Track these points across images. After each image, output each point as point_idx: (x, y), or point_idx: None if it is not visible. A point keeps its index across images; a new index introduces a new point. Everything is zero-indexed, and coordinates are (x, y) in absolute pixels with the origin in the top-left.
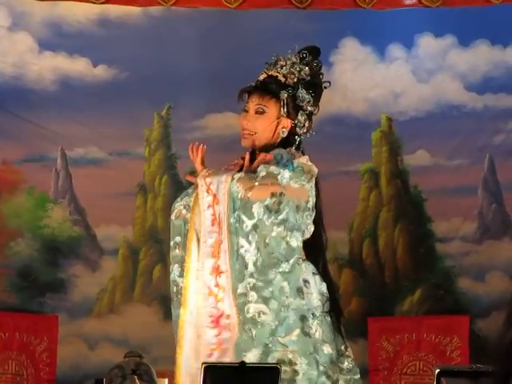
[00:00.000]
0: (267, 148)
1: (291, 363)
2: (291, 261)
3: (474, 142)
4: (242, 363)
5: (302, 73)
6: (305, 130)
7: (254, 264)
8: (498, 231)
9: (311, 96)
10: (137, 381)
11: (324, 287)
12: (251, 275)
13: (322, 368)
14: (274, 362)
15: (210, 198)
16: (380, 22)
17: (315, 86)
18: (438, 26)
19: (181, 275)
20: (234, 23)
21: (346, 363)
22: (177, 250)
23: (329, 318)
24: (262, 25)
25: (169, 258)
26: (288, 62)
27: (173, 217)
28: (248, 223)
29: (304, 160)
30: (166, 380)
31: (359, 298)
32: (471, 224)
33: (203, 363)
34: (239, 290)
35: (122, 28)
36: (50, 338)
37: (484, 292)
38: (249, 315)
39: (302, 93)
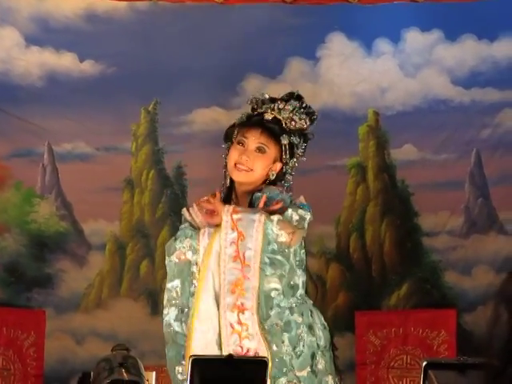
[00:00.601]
0: (255, 186)
1: None
2: (295, 296)
3: (461, 137)
4: (230, 356)
5: (302, 121)
6: (290, 177)
7: (278, 305)
8: (484, 225)
9: (304, 146)
10: (124, 374)
11: (323, 319)
12: (275, 315)
13: None
14: None
15: (235, 235)
16: (367, 17)
17: (306, 136)
18: (424, 20)
19: (177, 319)
20: (221, 18)
21: None
22: (174, 294)
23: (330, 350)
24: (249, 19)
25: (156, 254)
26: (288, 107)
27: (174, 258)
28: (286, 267)
29: (302, 199)
30: (154, 373)
31: (346, 292)
32: (458, 218)
33: (191, 356)
34: (266, 327)
35: (108, 23)
36: (38, 333)
37: (470, 286)
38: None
39: (298, 141)
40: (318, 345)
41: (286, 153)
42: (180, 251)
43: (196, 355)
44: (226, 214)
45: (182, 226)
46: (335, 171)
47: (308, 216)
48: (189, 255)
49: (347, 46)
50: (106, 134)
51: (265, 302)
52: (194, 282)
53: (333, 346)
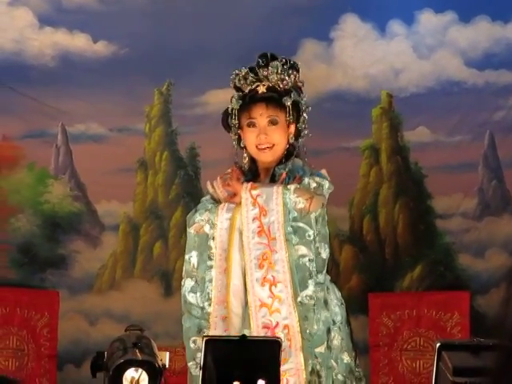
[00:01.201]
0: (279, 158)
1: (318, 375)
2: (324, 271)
3: (475, 119)
4: (243, 336)
5: (292, 77)
6: (305, 133)
7: (315, 278)
8: (497, 208)
9: (304, 97)
10: (138, 353)
11: (340, 294)
12: (316, 284)
13: (340, 377)
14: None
15: (257, 211)
16: None
17: (301, 89)
18: (438, 2)
19: (192, 291)
20: None
21: (356, 373)
22: (191, 265)
23: (347, 327)
24: (262, 1)
25: (169, 235)
26: (272, 70)
27: (192, 230)
28: (310, 233)
29: (324, 172)
30: (167, 353)
31: (359, 275)
32: (471, 200)
33: (204, 336)
34: (299, 299)
35: (121, 3)
36: (51, 314)
37: (484, 268)
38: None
39: (299, 96)
40: (333, 320)
41: (290, 114)
42: (198, 224)
43: (209, 336)
44: (245, 191)
45: (204, 198)
46: (348, 153)
47: (326, 184)
48: (206, 228)
49: (361, 27)
50: (119, 115)
51: (297, 271)
52: (211, 255)
53: (349, 324)
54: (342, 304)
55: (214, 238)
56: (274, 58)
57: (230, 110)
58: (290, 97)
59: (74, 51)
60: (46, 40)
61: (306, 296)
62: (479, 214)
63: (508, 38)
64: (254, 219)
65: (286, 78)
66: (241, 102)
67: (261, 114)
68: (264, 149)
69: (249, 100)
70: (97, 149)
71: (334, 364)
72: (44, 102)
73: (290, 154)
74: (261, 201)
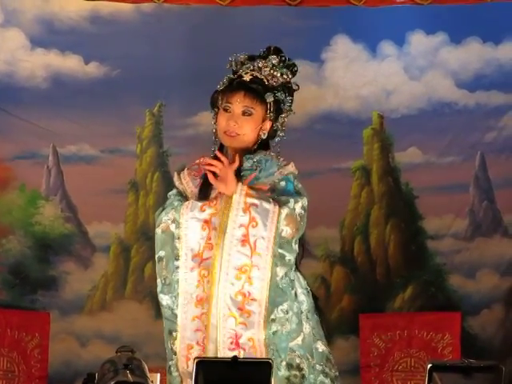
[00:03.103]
0: (248, 149)
1: (299, 368)
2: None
3: (466, 140)
4: (235, 358)
5: (284, 76)
6: (282, 134)
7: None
8: (489, 228)
9: (290, 99)
10: (129, 375)
11: (305, 283)
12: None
13: (318, 367)
14: (284, 367)
15: (246, 219)
16: (372, 20)
17: (291, 89)
18: (429, 23)
19: (162, 291)
20: (226, 20)
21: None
22: (159, 265)
23: (315, 315)
24: (254, 22)
25: None
26: (268, 64)
27: (159, 230)
28: (290, 257)
29: (291, 167)
30: (158, 375)
31: (351, 295)
32: (462, 221)
33: (195, 358)
34: (272, 316)
35: (113, 25)
36: (42, 335)
37: (475, 289)
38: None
39: (283, 96)
40: (300, 310)
41: (271, 111)
42: (165, 223)
43: (200, 357)
44: (240, 194)
45: (171, 193)
46: (340, 174)
47: (306, 203)
48: (172, 227)
49: (352, 48)
50: (110, 136)
51: (276, 292)
52: (177, 256)
53: (319, 311)
54: (308, 292)
55: (179, 238)
56: (276, 52)
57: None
58: (274, 94)
59: (65, 72)
60: (37, 61)
61: (280, 310)
62: (470, 235)
63: (499, 59)
64: (240, 226)
65: (278, 75)
66: (227, 84)
67: (237, 102)
68: (230, 135)
69: (232, 85)
70: (88, 170)
71: (309, 355)
72: (35, 123)
73: (259, 147)
74: (254, 211)
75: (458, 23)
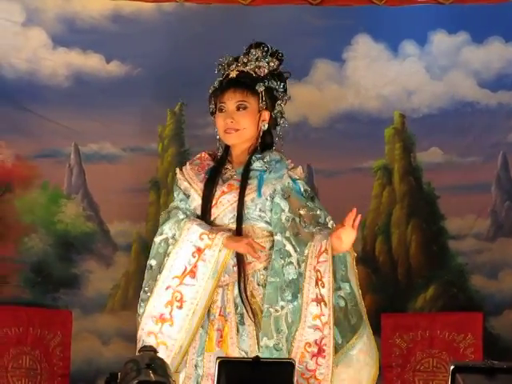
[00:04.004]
0: (251, 144)
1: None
2: None
3: (488, 139)
4: (257, 358)
5: (271, 64)
6: (284, 120)
7: None
8: (511, 229)
9: (282, 85)
10: (151, 375)
11: None
12: None
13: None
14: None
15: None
16: (393, 19)
17: (281, 75)
18: (451, 22)
19: (142, 300)
20: (247, 19)
21: None
22: (148, 273)
23: None
24: (275, 21)
25: None
26: (251, 57)
27: (157, 239)
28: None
29: (299, 172)
30: (181, 374)
31: (372, 295)
32: (484, 221)
33: (217, 358)
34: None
35: (135, 24)
36: (64, 333)
37: (497, 290)
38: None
39: (275, 83)
40: None
41: (263, 100)
42: (166, 236)
43: (223, 357)
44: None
45: (176, 194)
46: (361, 173)
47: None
48: (170, 242)
49: (373, 47)
50: (132, 135)
51: None
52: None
53: None
54: None
55: (169, 254)
56: (258, 46)
57: None
58: (264, 83)
59: (87, 71)
60: (59, 60)
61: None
62: (492, 235)
63: None
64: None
65: (264, 65)
66: (217, 86)
67: (229, 99)
68: (230, 132)
69: (222, 85)
70: (109, 168)
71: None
72: (57, 122)
73: (267, 144)
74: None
75: (480, 23)
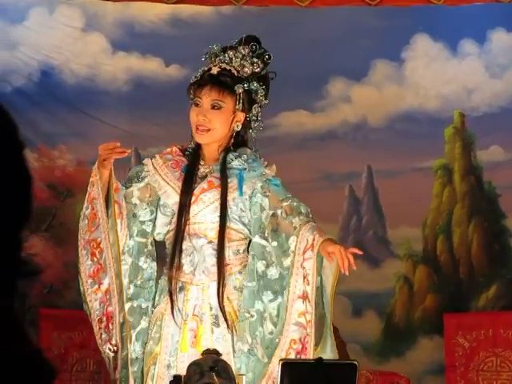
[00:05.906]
0: (222, 142)
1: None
2: None
3: None
4: (319, 359)
5: (254, 66)
6: (258, 124)
7: None
8: None
9: (263, 89)
10: (215, 377)
11: None
12: None
13: None
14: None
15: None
16: (452, 18)
17: (266, 78)
18: (510, 20)
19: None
20: (305, 21)
21: None
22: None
23: None
24: (333, 22)
25: None
26: (237, 55)
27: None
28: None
29: (274, 170)
30: (244, 377)
31: (434, 295)
32: None
33: (281, 360)
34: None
35: (193, 27)
36: None
37: None
38: None
39: (256, 86)
40: None
41: (240, 102)
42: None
43: (285, 359)
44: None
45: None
46: (421, 173)
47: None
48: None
49: (432, 47)
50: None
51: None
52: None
53: None
54: None
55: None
56: (248, 41)
57: None
58: (244, 85)
59: (146, 75)
60: (119, 65)
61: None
62: None
63: None
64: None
65: (247, 65)
66: (199, 77)
67: (206, 95)
68: (201, 131)
69: (201, 79)
70: None
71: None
72: (117, 126)
73: (239, 142)
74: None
75: None
